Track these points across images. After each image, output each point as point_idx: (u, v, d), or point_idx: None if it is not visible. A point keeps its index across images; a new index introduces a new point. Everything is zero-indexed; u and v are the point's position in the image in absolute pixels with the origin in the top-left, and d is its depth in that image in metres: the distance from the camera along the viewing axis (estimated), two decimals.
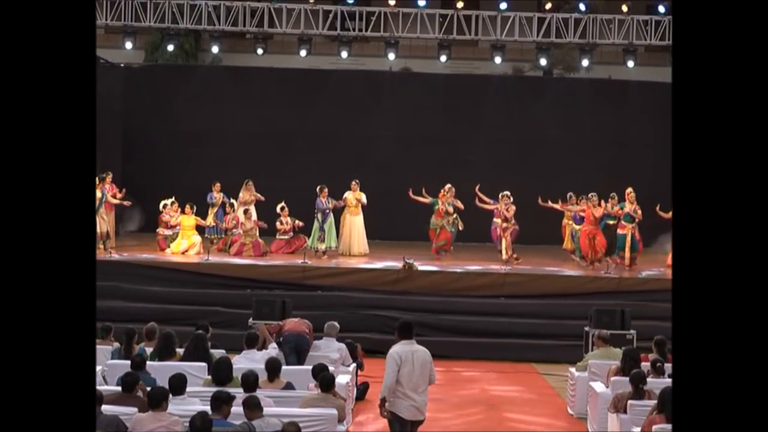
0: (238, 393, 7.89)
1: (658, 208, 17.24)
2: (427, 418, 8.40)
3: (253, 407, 7.42)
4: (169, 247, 18.66)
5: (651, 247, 18.34)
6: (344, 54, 21.04)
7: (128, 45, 20.91)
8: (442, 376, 13.65)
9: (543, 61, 21.60)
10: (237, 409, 7.49)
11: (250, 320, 13.58)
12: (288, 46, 23.10)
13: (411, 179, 20.48)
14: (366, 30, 20.83)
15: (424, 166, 21.76)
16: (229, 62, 25.08)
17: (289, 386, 9.29)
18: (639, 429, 8.36)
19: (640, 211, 17.43)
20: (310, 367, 9.88)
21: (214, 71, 24.39)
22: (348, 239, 18.93)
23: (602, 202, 17.77)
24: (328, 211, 18.47)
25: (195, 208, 18.86)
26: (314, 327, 11.76)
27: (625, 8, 20.53)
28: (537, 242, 19.85)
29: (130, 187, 19.13)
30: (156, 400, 7.51)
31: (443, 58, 20.83)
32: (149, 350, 10.58)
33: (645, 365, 10.27)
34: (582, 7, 20.58)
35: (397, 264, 16.75)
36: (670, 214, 16.39)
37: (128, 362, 9.44)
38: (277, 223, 18.95)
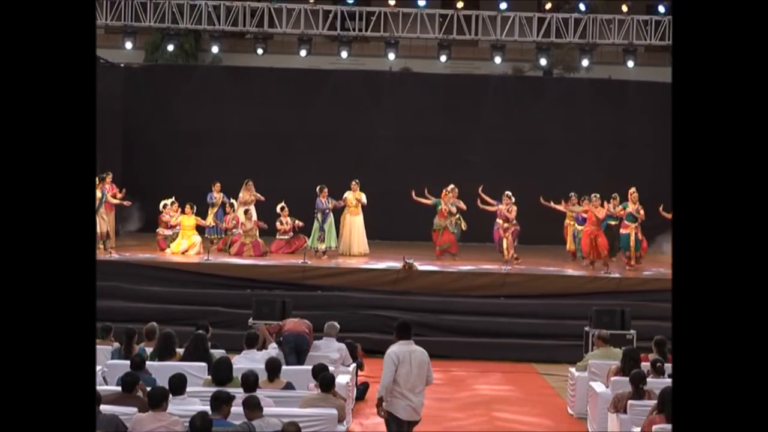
0: (238, 393, 7.89)
1: (661, 208, 17.22)
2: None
3: (253, 407, 7.42)
4: (169, 247, 18.66)
5: (650, 248, 18.34)
6: (344, 54, 21.04)
7: (128, 45, 20.90)
8: (442, 376, 13.69)
9: (543, 61, 21.59)
10: (237, 409, 7.49)
11: (250, 320, 13.58)
12: (288, 46, 23.10)
13: (411, 179, 20.48)
14: (366, 30, 20.82)
15: (424, 166, 21.75)
16: (229, 62, 25.08)
17: (289, 386, 9.29)
18: (639, 429, 8.36)
19: (642, 212, 17.41)
20: (310, 367, 9.89)
21: (214, 71, 24.39)
22: (348, 239, 18.93)
23: (605, 203, 17.79)
24: (328, 211, 18.46)
25: (195, 208, 18.85)
26: (314, 327, 11.76)
27: (625, 8, 20.52)
28: (537, 242, 19.85)
29: (130, 187, 19.13)
30: (156, 400, 7.51)
31: (443, 58, 20.83)
32: (149, 350, 10.59)
33: (645, 365, 10.27)
34: (582, 7, 20.57)
35: (397, 264, 16.75)
36: None
37: (128, 362, 9.44)
38: (277, 223, 18.95)
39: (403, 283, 16.48)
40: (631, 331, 13.74)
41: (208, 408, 7.39)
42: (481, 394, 13.14)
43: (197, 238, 18.62)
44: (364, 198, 18.94)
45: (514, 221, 18.05)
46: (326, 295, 16.10)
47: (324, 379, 8.94)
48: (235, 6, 20.30)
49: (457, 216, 18.52)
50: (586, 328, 13.91)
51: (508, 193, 18.21)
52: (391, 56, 21.11)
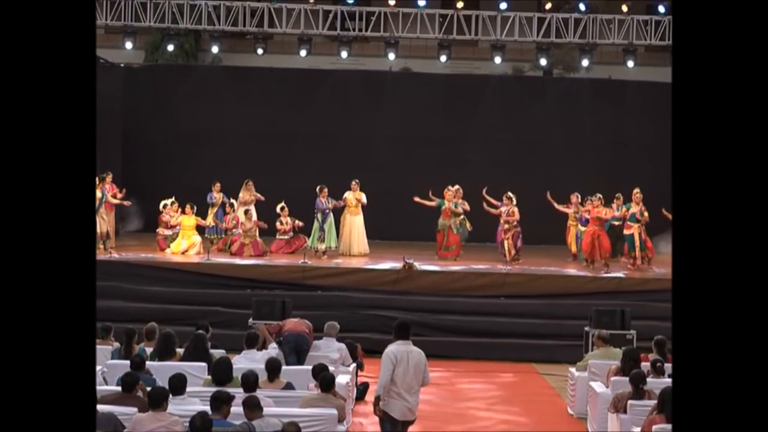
0: (238, 393, 7.89)
1: (665, 210, 17.17)
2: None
3: (253, 407, 7.42)
4: (169, 247, 18.66)
5: None
6: (344, 54, 21.04)
7: (128, 45, 20.91)
8: (442, 376, 13.69)
9: (543, 61, 21.61)
10: (237, 409, 7.50)
11: (250, 320, 13.58)
12: (288, 46, 23.11)
13: (411, 179, 20.51)
14: (366, 30, 20.82)
15: (424, 166, 21.76)
16: (229, 62, 25.09)
17: (289, 386, 9.29)
18: (639, 429, 8.36)
19: (646, 213, 17.37)
20: (310, 367, 9.88)
21: (214, 71, 24.40)
22: (348, 239, 18.93)
23: (611, 206, 17.78)
24: (328, 211, 18.46)
25: (195, 208, 18.86)
26: (314, 327, 11.76)
27: (625, 8, 20.53)
28: (538, 242, 19.85)
29: (130, 187, 19.14)
30: (156, 400, 7.52)
31: (443, 58, 20.83)
32: (149, 350, 10.59)
33: (645, 365, 10.27)
34: (582, 7, 20.58)
35: (397, 264, 16.75)
36: None
37: (128, 362, 9.44)
38: (277, 223, 18.95)
39: (403, 283, 16.48)
40: (631, 331, 13.74)
41: (208, 408, 7.39)
42: (481, 394, 13.13)
43: (197, 238, 18.62)
44: (364, 198, 18.93)
45: (515, 223, 18.00)
46: (326, 295, 16.09)
47: (324, 379, 8.94)
48: (235, 6, 20.31)
49: (462, 217, 18.51)
50: (586, 328, 13.91)
51: (509, 194, 18.19)
52: (391, 56, 21.12)
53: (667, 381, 9.41)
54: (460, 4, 20.46)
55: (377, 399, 8.13)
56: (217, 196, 19.44)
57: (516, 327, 15.73)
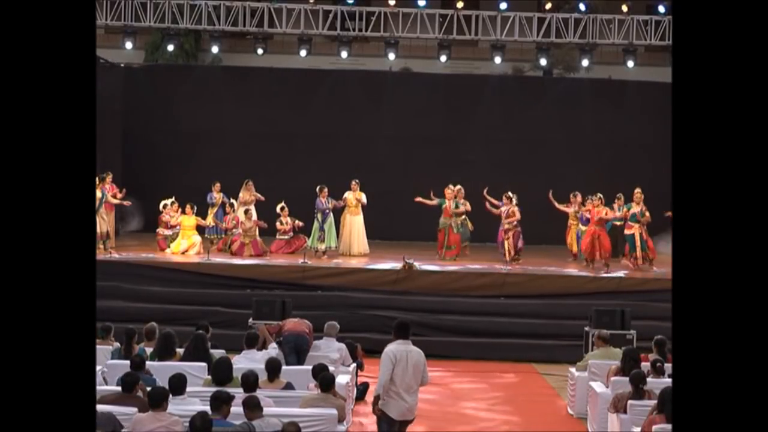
0: (238, 393, 7.89)
1: (668, 213, 17.09)
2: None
3: (253, 407, 7.42)
4: (169, 247, 18.67)
5: None
6: (344, 54, 21.05)
7: (128, 45, 20.91)
8: (442, 376, 13.69)
9: (543, 61, 21.60)
10: (237, 409, 7.49)
11: (250, 320, 13.58)
12: (288, 46, 23.10)
13: (411, 179, 20.51)
14: (366, 30, 20.82)
15: (424, 166, 21.76)
16: (229, 62, 25.08)
17: (289, 386, 9.29)
18: (639, 429, 8.36)
19: (648, 213, 17.35)
20: (310, 367, 9.88)
21: (214, 71, 24.39)
22: (348, 239, 18.93)
23: (613, 206, 17.76)
24: (328, 211, 18.46)
25: (195, 208, 18.86)
26: (314, 327, 11.76)
27: (625, 8, 20.52)
28: (538, 242, 19.84)
29: (130, 187, 19.14)
30: (156, 400, 7.52)
31: (443, 58, 20.83)
32: (149, 350, 10.58)
33: (645, 365, 10.27)
34: (582, 7, 20.57)
35: (397, 264, 16.75)
36: None
37: (128, 362, 9.43)
38: (277, 223, 18.95)
39: (403, 283, 16.48)
40: (631, 331, 13.74)
41: (208, 408, 7.39)
42: (481, 394, 13.13)
43: (197, 238, 18.62)
44: (364, 198, 18.93)
45: (515, 223, 17.99)
46: (326, 295, 16.09)
47: (324, 379, 8.94)
48: (235, 6, 20.31)
49: (464, 217, 18.52)
50: (586, 328, 13.91)
51: (509, 193, 18.19)
52: (391, 56, 21.12)
53: (667, 381, 9.41)
54: (460, 4, 20.46)
55: (376, 398, 8.15)
56: (217, 196, 19.44)
57: (516, 327, 15.73)
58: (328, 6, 20.93)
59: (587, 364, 11.54)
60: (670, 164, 5.08)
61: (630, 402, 9.15)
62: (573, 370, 12.04)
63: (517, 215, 17.97)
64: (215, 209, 19.40)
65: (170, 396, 7.79)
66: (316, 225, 18.45)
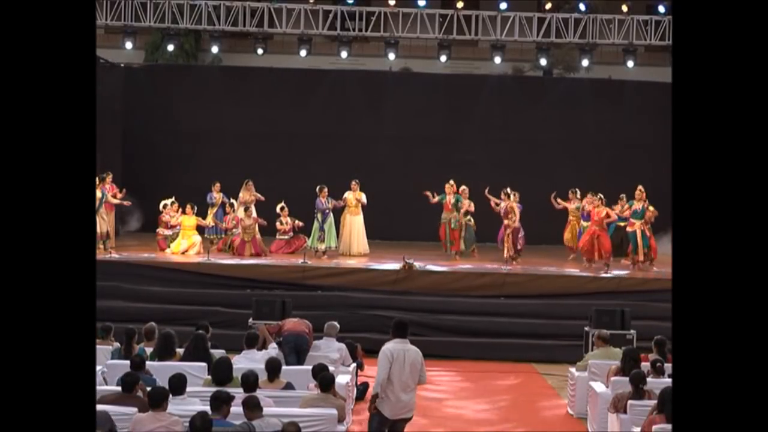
0: (238, 393, 7.89)
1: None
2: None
3: (253, 407, 7.42)
4: (169, 247, 18.67)
5: None
6: (344, 54, 21.05)
7: (128, 45, 20.92)
8: (442, 376, 13.69)
9: (543, 61, 21.61)
10: (237, 409, 7.49)
11: (250, 320, 13.58)
12: (288, 46, 23.10)
13: (411, 179, 20.51)
14: (366, 30, 20.83)
15: (424, 166, 21.76)
16: (229, 62, 25.09)
17: (289, 386, 9.29)
18: (639, 429, 8.36)
19: (652, 207, 17.32)
20: (310, 367, 9.88)
21: (214, 71, 24.40)
22: (348, 239, 18.93)
23: (613, 207, 17.75)
24: (328, 211, 18.46)
25: (195, 208, 18.86)
26: (314, 327, 11.75)
27: (625, 8, 20.53)
28: (538, 242, 19.84)
29: (130, 187, 19.14)
30: (156, 400, 7.52)
31: (443, 58, 20.84)
32: (149, 350, 10.58)
33: (645, 365, 10.27)
34: (582, 7, 20.58)
35: (397, 264, 16.75)
36: None
37: (128, 362, 9.43)
38: (277, 223, 18.95)
39: (403, 283, 16.48)
40: (631, 331, 13.74)
41: (208, 408, 7.39)
42: (480, 394, 13.12)
43: (197, 238, 18.62)
44: (364, 198, 18.94)
45: (513, 218, 17.98)
46: (326, 295, 16.09)
47: (324, 379, 8.94)
48: (235, 6, 20.31)
49: (467, 217, 18.53)
50: (586, 328, 13.91)
51: (507, 190, 18.20)
52: (391, 56, 21.13)
53: (667, 381, 9.41)
54: (460, 4, 20.46)
55: (374, 397, 8.17)
56: (217, 196, 19.44)
57: (516, 327, 15.73)
58: (328, 6, 20.94)
59: (587, 364, 11.54)
60: (670, 164, 5.08)
61: (630, 402, 9.15)
62: (573, 370, 12.04)
63: (516, 212, 17.96)
64: (215, 209, 19.40)
65: (170, 396, 7.79)
66: (316, 225, 18.45)
